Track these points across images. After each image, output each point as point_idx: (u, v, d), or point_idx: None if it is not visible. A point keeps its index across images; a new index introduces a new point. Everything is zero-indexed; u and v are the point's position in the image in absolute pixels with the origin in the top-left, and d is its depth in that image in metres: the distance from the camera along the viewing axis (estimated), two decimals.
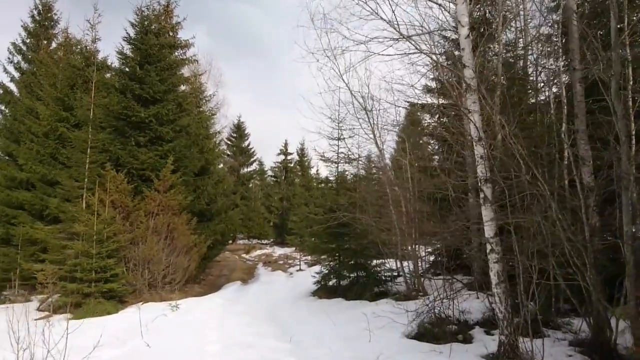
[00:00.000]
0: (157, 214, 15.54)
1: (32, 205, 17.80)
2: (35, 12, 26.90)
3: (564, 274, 6.07)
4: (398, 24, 6.84)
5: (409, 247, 10.95)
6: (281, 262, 27.62)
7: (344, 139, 12.89)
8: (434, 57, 9.38)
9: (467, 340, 7.25)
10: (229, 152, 44.08)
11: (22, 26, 26.62)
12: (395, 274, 11.83)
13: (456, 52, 11.03)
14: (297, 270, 22.15)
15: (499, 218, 6.51)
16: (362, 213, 11.46)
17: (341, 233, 12.47)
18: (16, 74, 25.66)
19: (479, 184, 6.42)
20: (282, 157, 45.24)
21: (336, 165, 13.17)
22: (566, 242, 5.82)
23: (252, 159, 45.40)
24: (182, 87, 18.74)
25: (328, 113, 12.46)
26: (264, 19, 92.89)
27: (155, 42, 16.98)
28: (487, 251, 6.35)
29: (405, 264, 11.91)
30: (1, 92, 25.47)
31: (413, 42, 6.99)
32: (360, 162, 12.83)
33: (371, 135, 11.49)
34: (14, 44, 26.34)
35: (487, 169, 6.36)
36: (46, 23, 27.11)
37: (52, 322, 11.02)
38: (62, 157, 16.96)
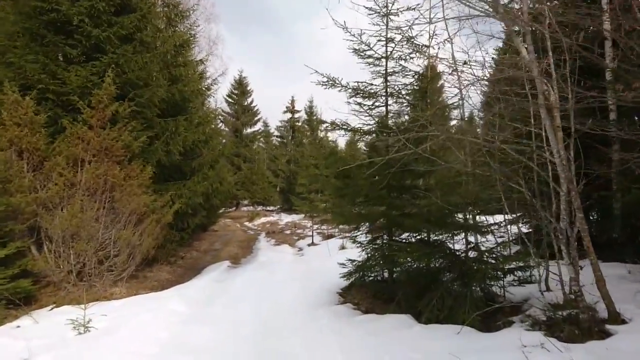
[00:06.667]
0: (89, 162, 9.22)
1: None
2: None
3: None
4: None
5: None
6: (288, 232, 21.41)
7: (397, 12, 6.36)
8: None
9: None
10: (229, 110, 37.55)
11: None
12: (520, 264, 5.39)
13: None
14: (309, 245, 15.87)
15: None
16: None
17: (399, 185, 6.12)
18: None
19: None
20: (289, 115, 38.63)
21: (384, 60, 6.69)
22: None
23: (255, 118, 38.84)
24: None
25: None
26: None
27: None
28: None
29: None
30: None
31: None
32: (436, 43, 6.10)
33: None
34: None
35: None
36: None
37: None
38: None
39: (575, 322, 4.18)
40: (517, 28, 4.95)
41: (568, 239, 4.24)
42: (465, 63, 4.80)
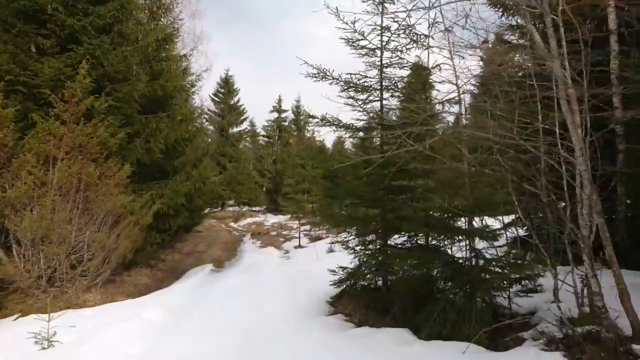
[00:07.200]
0: (61, 160, 8.57)
1: None
2: None
3: None
4: None
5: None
6: (274, 233, 20.83)
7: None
8: None
9: None
10: (215, 109, 36.76)
11: None
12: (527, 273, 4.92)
13: None
14: (296, 247, 15.34)
15: None
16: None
17: (395, 186, 5.64)
18: None
19: None
20: (276, 114, 38.03)
21: (379, 51, 6.20)
22: None
23: (242, 118, 38.08)
24: None
25: None
26: None
27: None
28: None
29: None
30: None
31: None
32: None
33: None
34: None
35: None
36: None
37: None
38: None
39: (597, 341, 3.72)
40: (524, 15, 4.50)
41: (589, 249, 3.78)
42: (484, 42, 4.33)
